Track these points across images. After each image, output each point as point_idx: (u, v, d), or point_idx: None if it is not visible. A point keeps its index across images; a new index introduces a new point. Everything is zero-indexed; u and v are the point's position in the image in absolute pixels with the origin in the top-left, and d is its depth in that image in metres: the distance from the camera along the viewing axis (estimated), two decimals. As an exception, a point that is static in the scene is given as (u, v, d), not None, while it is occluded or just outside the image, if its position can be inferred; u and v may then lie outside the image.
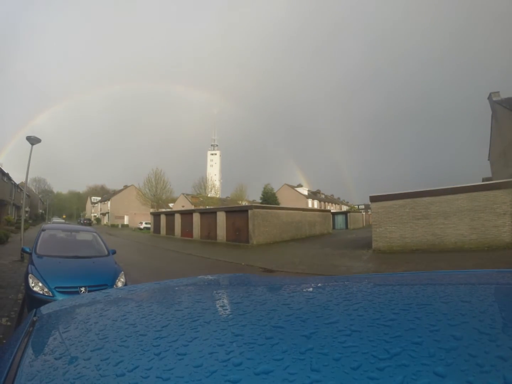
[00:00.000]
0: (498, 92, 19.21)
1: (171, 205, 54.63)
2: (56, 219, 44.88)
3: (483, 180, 19.63)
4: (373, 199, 13.55)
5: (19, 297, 5.33)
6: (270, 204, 35.48)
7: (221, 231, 21.78)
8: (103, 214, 62.62)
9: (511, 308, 0.68)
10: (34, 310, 0.95)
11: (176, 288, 1.20)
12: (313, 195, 62.27)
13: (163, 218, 31.24)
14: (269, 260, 11.93)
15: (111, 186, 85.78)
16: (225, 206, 30.09)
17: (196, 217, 25.08)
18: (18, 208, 36.55)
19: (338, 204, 71.82)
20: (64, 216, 66.46)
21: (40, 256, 4.79)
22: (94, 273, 4.67)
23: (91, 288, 4.07)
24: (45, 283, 4.05)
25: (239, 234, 19.99)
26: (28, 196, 48.67)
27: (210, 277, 1.45)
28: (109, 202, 59.48)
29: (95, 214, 68.31)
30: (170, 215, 30.33)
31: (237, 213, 20.77)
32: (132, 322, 0.74)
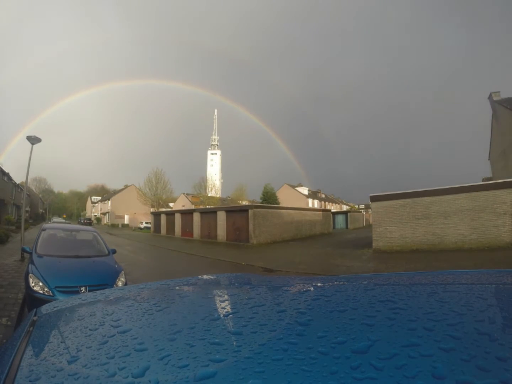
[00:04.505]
0: (498, 92, 19.21)
1: (171, 204, 54.61)
2: (56, 219, 44.81)
3: (483, 180, 19.59)
4: (373, 199, 13.55)
5: (19, 297, 5.33)
6: (270, 203, 35.44)
7: (222, 230, 21.79)
8: (104, 214, 62.63)
9: (511, 308, 0.68)
10: (34, 309, 0.95)
11: (176, 288, 1.20)
12: (314, 194, 62.24)
13: (163, 218, 31.28)
14: (270, 260, 11.93)
15: (111, 186, 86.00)
16: (225, 205, 30.13)
17: (196, 217, 25.11)
18: (18, 207, 36.56)
19: (338, 203, 71.79)
20: (64, 216, 66.44)
21: (40, 256, 4.79)
22: (95, 273, 4.67)
23: (91, 288, 4.07)
24: (45, 282, 4.05)
25: (239, 234, 20.00)
26: (29, 195, 48.68)
27: (210, 276, 1.45)
28: (109, 202, 59.47)
29: (96, 214, 68.32)
30: (171, 214, 30.37)
31: (238, 212, 20.78)
32: (133, 322, 0.74)
